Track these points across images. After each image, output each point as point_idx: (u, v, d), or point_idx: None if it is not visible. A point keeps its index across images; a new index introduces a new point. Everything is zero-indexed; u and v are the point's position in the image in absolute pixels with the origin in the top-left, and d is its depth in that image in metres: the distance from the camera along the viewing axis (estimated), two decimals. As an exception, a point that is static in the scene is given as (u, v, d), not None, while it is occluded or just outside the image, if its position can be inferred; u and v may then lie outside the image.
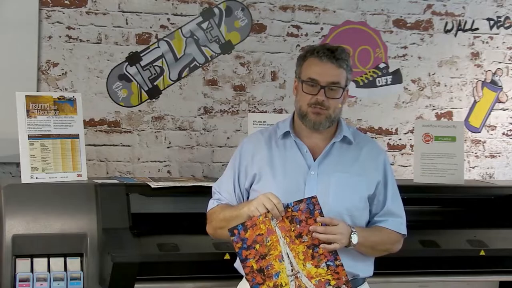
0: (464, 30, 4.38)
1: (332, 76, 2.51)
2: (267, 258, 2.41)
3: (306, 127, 2.58)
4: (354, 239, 2.46)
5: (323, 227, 2.41)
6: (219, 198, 2.69)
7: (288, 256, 2.42)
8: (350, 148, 2.61)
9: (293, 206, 2.43)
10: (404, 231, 2.64)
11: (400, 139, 4.33)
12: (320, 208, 2.42)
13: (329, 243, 2.41)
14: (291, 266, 2.42)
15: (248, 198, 2.63)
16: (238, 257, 2.45)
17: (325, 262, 2.41)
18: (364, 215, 2.59)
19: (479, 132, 4.46)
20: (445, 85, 4.37)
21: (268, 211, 2.41)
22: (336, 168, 2.56)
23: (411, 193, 3.57)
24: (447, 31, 4.36)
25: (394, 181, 2.68)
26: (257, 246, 2.42)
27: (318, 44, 2.58)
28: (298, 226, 2.42)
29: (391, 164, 4.27)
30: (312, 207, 2.42)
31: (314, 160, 2.57)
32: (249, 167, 2.62)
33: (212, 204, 2.69)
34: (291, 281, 2.40)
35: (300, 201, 2.44)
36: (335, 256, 2.42)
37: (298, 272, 2.41)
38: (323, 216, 2.42)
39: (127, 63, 3.88)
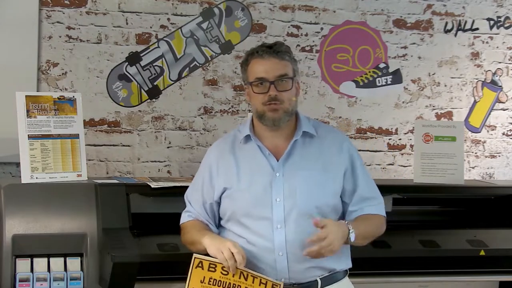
0: (464, 30, 4.38)
1: (277, 70, 2.52)
2: None
3: (266, 128, 2.57)
4: (352, 237, 2.45)
5: (315, 251, 2.39)
6: (190, 211, 2.71)
7: None
8: (313, 142, 2.60)
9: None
10: (384, 212, 2.64)
11: (400, 139, 4.33)
12: None
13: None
14: None
15: (219, 207, 2.64)
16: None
17: None
18: (334, 212, 2.58)
19: (479, 132, 4.46)
20: (445, 85, 4.37)
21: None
22: (300, 166, 2.55)
23: (411, 193, 3.58)
24: (447, 31, 4.36)
25: (363, 165, 2.66)
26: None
27: (256, 46, 2.63)
28: None
29: (391, 164, 4.28)
30: None
31: (278, 161, 2.56)
32: (215, 179, 2.63)
33: (183, 217, 2.73)
34: None
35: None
36: None
37: None
38: None
39: (127, 63, 3.88)
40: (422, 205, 3.68)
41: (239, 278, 2.43)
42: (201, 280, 2.44)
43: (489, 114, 4.47)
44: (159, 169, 3.96)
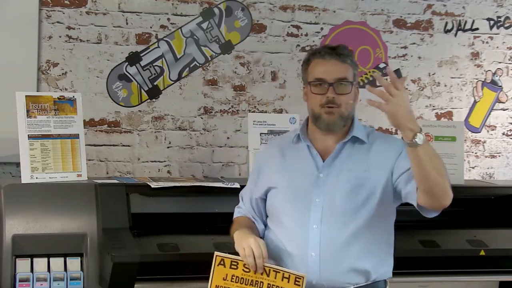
0: (464, 30, 4.38)
1: (338, 72, 2.50)
2: None
3: (320, 130, 2.55)
4: (420, 137, 2.26)
5: (384, 83, 2.29)
6: (241, 207, 2.76)
7: None
8: (362, 147, 2.56)
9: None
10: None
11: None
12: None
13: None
14: None
15: (265, 205, 2.66)
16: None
17: None
18: (377, 215, 2.50)
19: (479, 132, 4.46)
20: (445, 85, 4.37)
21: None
22: (344, 168, 2.53)
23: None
24: (447, 31, 4.36)
25: None
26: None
27: (320, 46, 2.59)
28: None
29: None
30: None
31: (324, 162, 2.55)
32: (262, 176, 2.66)
33: (235, 212, 2.77)
34: None
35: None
36: None
37: None
38: None
39: (127, 63, 3.88)
40: (422, 205, 3.68)
41: (261, 274, 2.43)
42: (223, 278, 2.45)
43: (489, 114, 4.47)
44: (159, 169, 3.96)
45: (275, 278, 2.42)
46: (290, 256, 2.52)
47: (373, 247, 2.52)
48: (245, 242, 2.43)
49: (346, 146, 2.56)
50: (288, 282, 2.41)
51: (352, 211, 2.49)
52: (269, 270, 2.43)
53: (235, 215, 2.75)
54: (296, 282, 2.41)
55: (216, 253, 2.48)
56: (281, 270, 2.43)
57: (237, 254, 2.47)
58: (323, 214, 2.49)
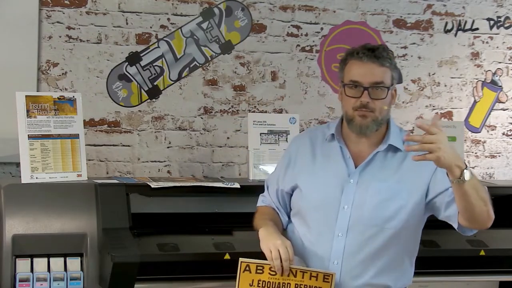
0: (464, 30, 4.38)
1: (374, 76, 2.42)
2: None
3: (353, 132, 2.47)
4: (467, 174, 2.18)
5: (419, 135, 2.18)
6: (265, 195, 2.70)
7: None
8: (396, 156, 2.47)
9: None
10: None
11: (400, 139, 4.33)
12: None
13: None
14: None
15: (291, 198, 2.61)
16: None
17: None
18: (407, 228, 2.44)
19: (479, 132, 4.46)
20: (445, 85, 4.37)
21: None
22: (375, 177, 2.44)
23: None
24: (447, 31, 4.36)
25: None
26: None
27: (359, 45, 2.50)
28: None
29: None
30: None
31: (356, 168, 2.47)
32: (290, 170, 2.58)
33: (259, 201, 2.71)
34: None
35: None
36: None
37: None
38: None
39: (127, 63, 3.88)
40: (422, 205, 3.68)
41: (288, 276, 2.39)
42: (250, 284, 2.41)
43: (489, 114, 4.47)
44: (159, 169, 3.96)
45: (303, 278, 2.38)
46: (311, 261, 2.46)
47: (397, 261, 2.48)
48: (271, 243, 2.37)
49: (380, 154, 2.48)
50: (317, 280, 2.38)
51: (380, 224, 2.42)
52: (296, 271, 2.39)
53: (258, 203, 2.70)
54: (325, 280, 2.37)
55: (241, 259, 2.43)
56: (308, 270, 2.40)
57: (246, 255, 2.44)
58: (350, 223, 2.42)
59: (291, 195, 2.60)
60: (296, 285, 2.39)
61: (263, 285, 2.41)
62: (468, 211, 2.28)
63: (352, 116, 2.44)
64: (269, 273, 2.40)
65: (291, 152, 2.63)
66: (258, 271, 2.41)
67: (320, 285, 2.37)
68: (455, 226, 2.41)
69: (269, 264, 2.39)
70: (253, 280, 2.41)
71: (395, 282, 2.48)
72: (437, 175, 2.41)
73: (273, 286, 2.40)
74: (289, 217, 2.63)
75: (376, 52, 2.45)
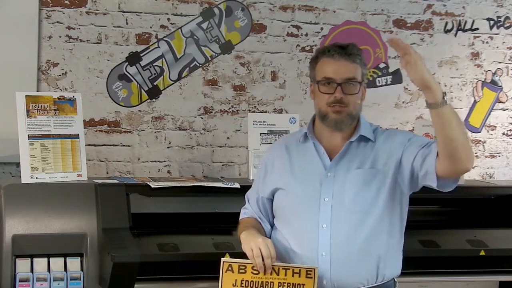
0: (464, 30, 4.38)
1: (347, 72, 2.49)
2: None
3: (327, 128, 2.54)
4: (446, 95, 2.30)
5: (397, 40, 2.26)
6: (247, 208, 2.75)
7: None
8: (368, 145, 2.56)
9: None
10: None
11: (400, 139, 4.33)
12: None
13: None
14: None
15: (272, 205, 2.65)
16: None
17: None
18: (387, 210, 2.50)
19: (479, 132, 4.46)
20: (445, 85, 4.37)
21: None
22: (351, 167, 2.52)
23: (411, 193, 3.57)
24: (447, 31, 4.36)
25: (421, 136, 2.57)
26: None
27: (328, 44, 2.57)
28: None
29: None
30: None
31: (331, 161, 2.54)
32: (269, 176, 2.65)
33: (241, 213, 2.76)
34: None
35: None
36: None
37: None
38: None
39: (127, 63, 3.88)
40: (422, 205, 3.68)
41: (271, 274, 2.40)
42: (233, 284, 2.42)
43: (489, 114, 4.47)
44: (159, 169, 3.96)
45: (285, 275, 2.40)
46: (299, 256, 2.50)
47: (385, 247, 2.50)
48: (253, 243, 2.41)
49: (353, 145, 2.55)
50: (299, 276, 2.39)
51: (362, 209, 2.47)
52: (278, 268, 2.41)
53: (241, 217, 2.74)
54: (308, 275, 2.39)
55: (223, 259, 2.45)
56: (290, 267, 2.42)
57: (244, 256, 2.45)
58: (333, 214, 2.48)
59: (272, 200, 2.66)
60: (280, 284, 2.40)
61: (246, 285, 2.42)
62: (449, 143, 2.28)
63: (325, 111, 2.51)
64: (251, 272, 2.42)
65: (267, 161, 2.71)
66: (240, 270, 2.43)
67: (303, 281, 2.39)
68: (435, 183, 2.41)
69: (252, 263, 2.41)
70: (236, 280, 2.42)
71: (386, 268, 2.51)
72: (407, 148, 2.48)
73: (256, 286, 2.41)
74: (271, 226, 2.68)
75: (347, 50, 2.52)
